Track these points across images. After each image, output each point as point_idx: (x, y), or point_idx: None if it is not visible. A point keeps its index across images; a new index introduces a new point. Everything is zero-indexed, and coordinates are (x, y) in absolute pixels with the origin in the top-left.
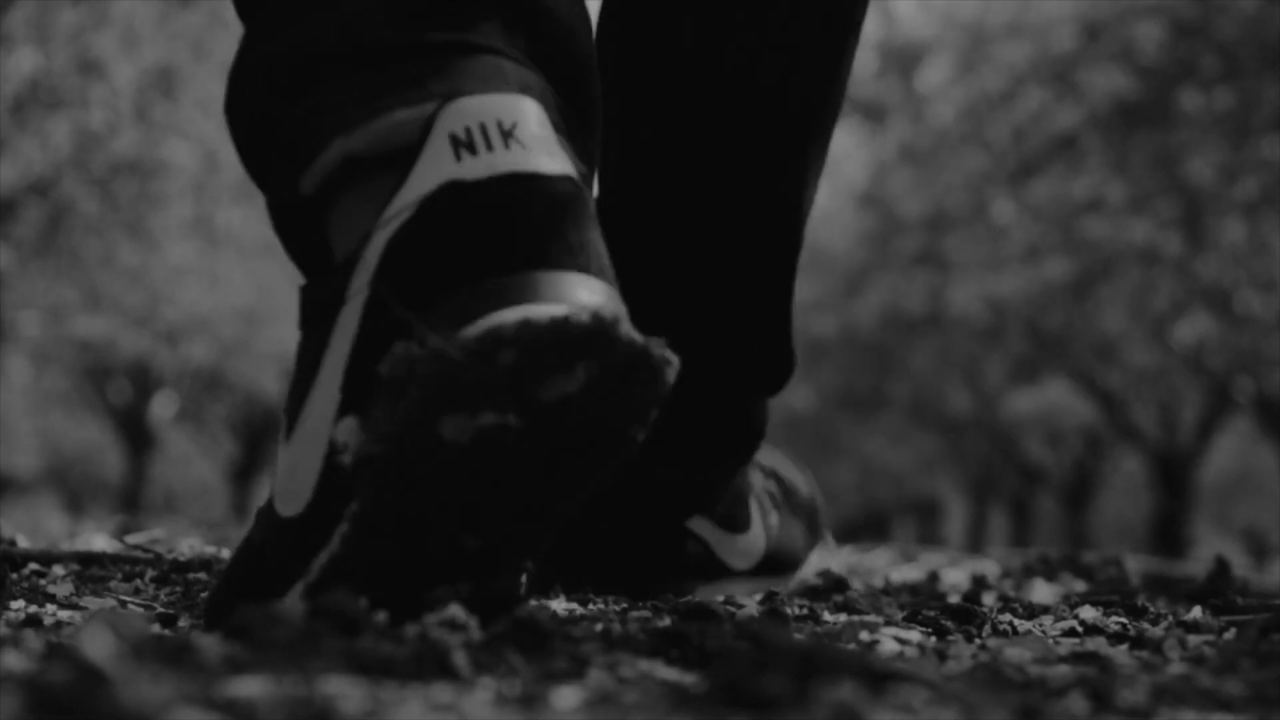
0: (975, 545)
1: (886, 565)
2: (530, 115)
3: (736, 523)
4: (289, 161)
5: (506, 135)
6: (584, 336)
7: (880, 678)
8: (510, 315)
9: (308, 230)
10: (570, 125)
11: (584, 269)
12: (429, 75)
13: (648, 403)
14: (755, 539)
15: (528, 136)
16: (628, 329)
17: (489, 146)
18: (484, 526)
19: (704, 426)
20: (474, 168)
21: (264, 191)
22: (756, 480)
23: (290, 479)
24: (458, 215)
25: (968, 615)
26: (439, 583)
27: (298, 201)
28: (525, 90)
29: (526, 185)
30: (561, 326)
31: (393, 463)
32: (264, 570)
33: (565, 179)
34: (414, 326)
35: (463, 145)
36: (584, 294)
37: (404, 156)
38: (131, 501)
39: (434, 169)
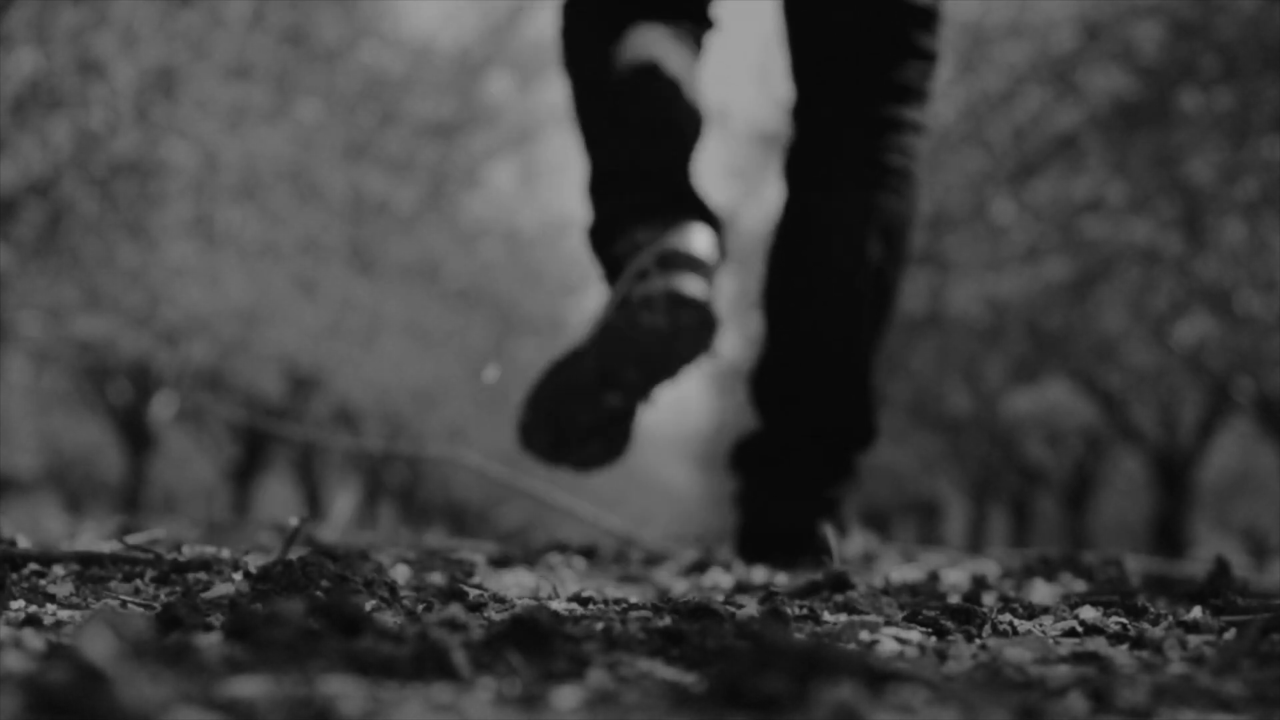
0: (975, 545)
1: (886, 565)
2: (699, 242)
3: (845, 531)
4: (605, 243)
5: (685, 262)
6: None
7: (880, 678)
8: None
9: (608, 261)
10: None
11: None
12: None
13: (709, 333)
14: (855, 544)
15: (688, 265)
16: (704, 298)
17: (671, 269)
18: (624, 387)
19: (829, 467)
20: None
21: (596, 252)
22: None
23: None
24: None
25: (968, 615)
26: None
27: (606, 253)
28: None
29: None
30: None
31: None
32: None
33: (703, 303)
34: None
35: (667, 264)
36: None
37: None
38: (131, 501)
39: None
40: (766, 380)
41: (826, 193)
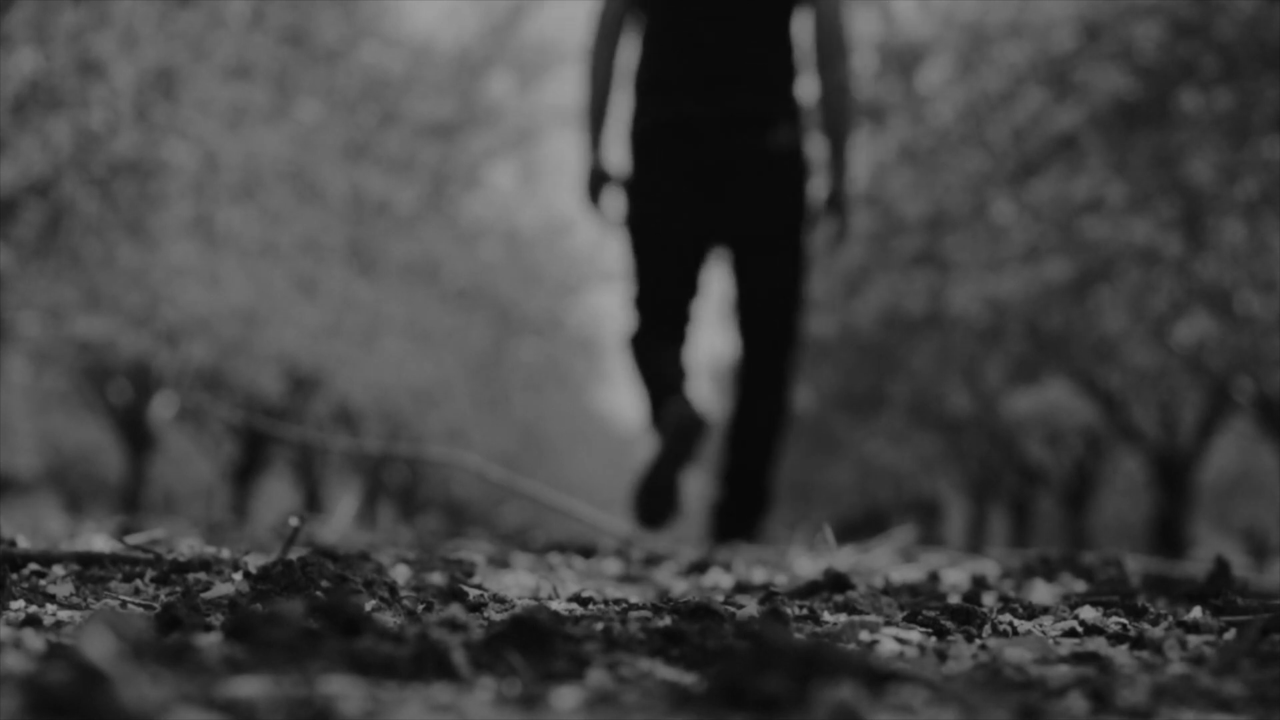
0: (975, 545)
1: (886, 565)
2: (688, 396)
3: (754, 543)
4: (657, 420)
5: (688, 404)
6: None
7: (880, 678)
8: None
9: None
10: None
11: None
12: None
13: (702, 429)
14: (761, 550)
15: (690, 404)
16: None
17: (681, 407)
18: (668, 468)
19: (749, 519)
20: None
21: (654, 426)
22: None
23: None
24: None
25: (968, 615)
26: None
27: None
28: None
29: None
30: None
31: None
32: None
33: (698, 414)
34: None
35: (680, 406)
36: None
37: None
38: (131, 502)
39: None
40: (723, 481)
41: (755, 397)
